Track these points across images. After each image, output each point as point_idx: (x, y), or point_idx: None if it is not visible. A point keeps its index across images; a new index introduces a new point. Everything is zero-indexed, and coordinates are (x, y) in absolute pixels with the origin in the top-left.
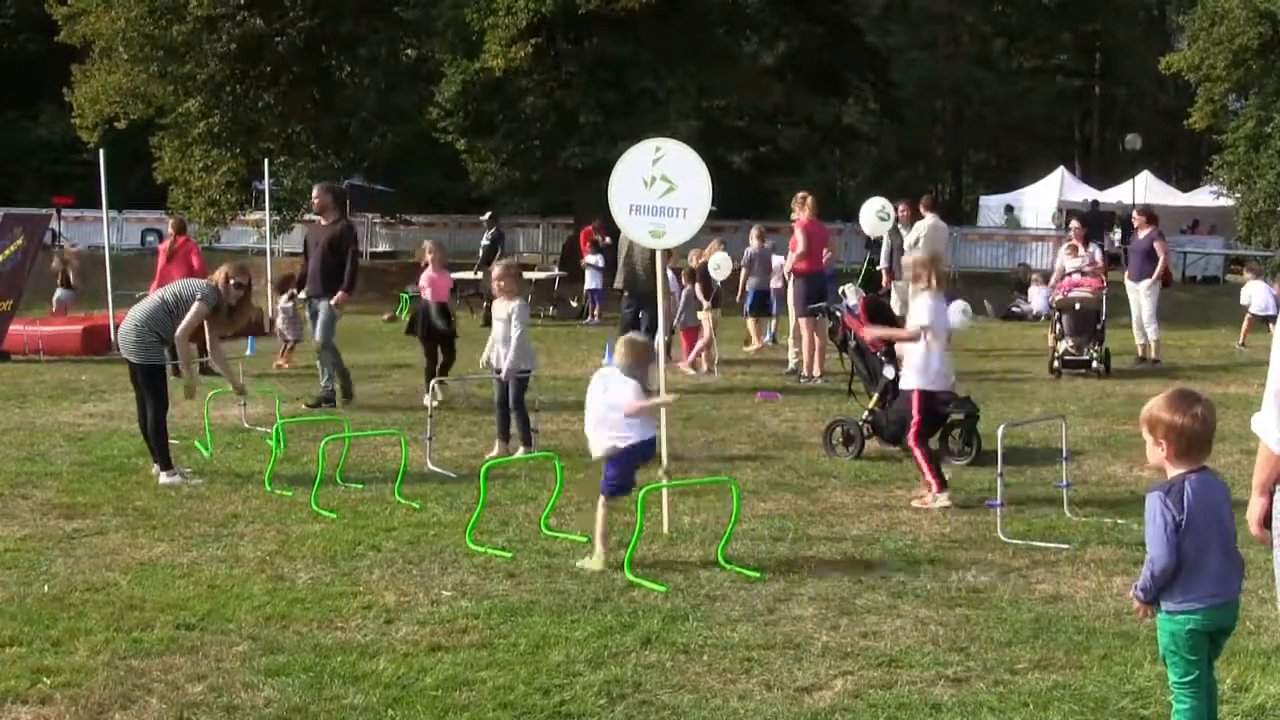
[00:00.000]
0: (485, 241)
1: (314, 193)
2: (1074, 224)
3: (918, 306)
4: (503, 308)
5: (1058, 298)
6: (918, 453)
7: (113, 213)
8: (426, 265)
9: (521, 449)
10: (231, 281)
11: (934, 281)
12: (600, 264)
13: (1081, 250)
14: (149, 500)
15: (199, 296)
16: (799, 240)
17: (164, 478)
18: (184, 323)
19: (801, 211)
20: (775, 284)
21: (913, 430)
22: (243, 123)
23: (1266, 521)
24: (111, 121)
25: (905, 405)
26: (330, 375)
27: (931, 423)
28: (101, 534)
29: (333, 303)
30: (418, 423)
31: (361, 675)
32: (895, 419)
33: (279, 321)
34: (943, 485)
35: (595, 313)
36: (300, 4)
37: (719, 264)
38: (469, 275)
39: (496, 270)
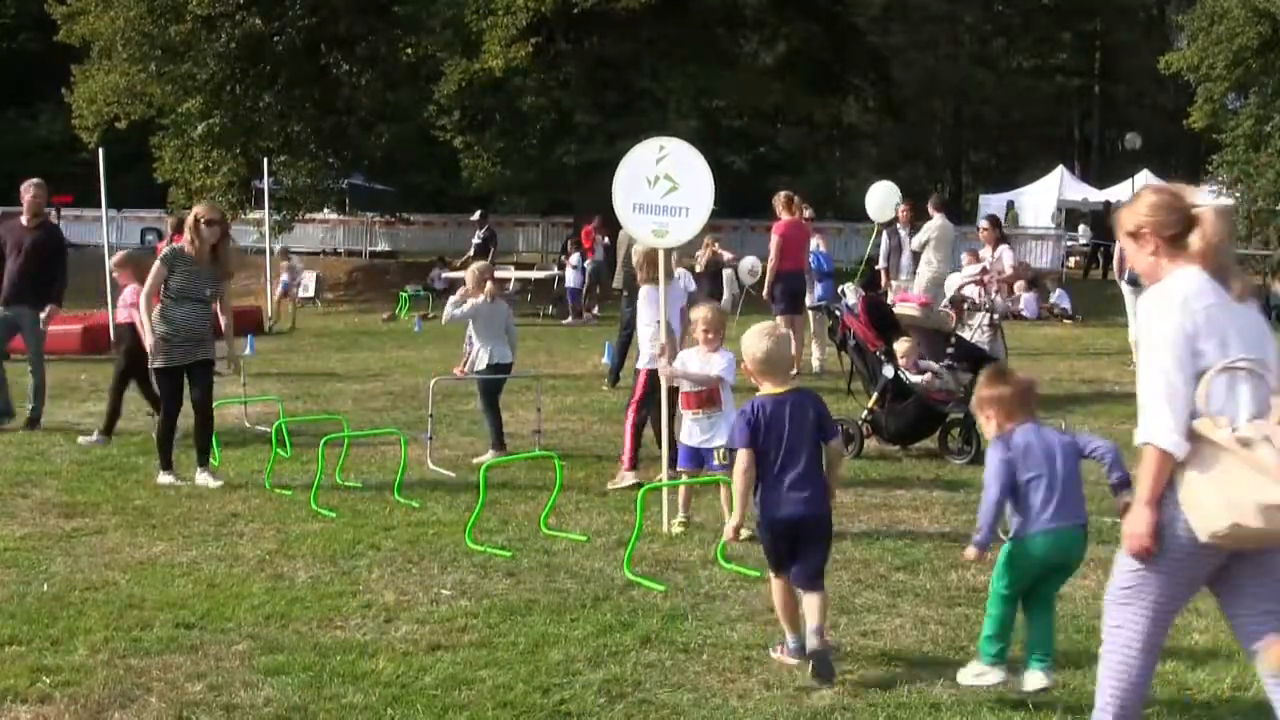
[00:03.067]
0: (476, 240)
1: (28, 190)
2: (982, 224)
3: None
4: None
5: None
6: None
7: (112, 212)
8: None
9: (491, 453)
10: (203, 221)
11: None
12: (579, 264)
13: (988, 254)
14: (148, 499)
15: (159, 259)
16: (773, 243)
17: (161, 477)
18: (146, 286)
19: (785, 212)
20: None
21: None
22: (242, 122)
23: (1156, 534)
24: (111, 122)
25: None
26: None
27: (931, 422)
28: (101, 533)
29: (43, 315)
30: (418, 423)
31: (361, 674)
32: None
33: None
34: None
35: (574, 310)
36: (299, 3)
37: (752, 268)
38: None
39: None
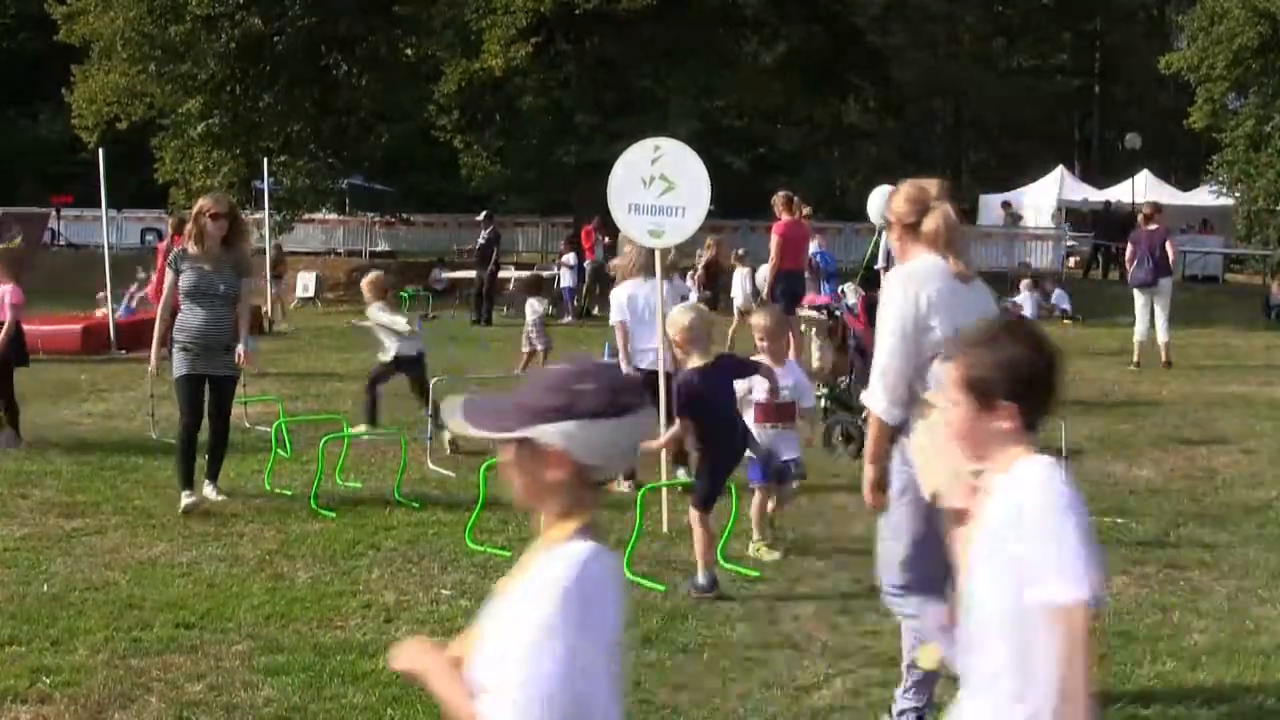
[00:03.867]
0: (481, 240)
1: None
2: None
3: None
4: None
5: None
6: None
7: (112, 212)
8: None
9: (363, 425)
10: (207, 215)
11: None
12: (574, 263)
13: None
14: (148, 499)
15: (166, 265)
16: (774, 243)
17: (184, 498)
18: (163, 296)
19: (785, 212)
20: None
21: None
22: (242, 123)
23: (880, 488)
24: (111, 122)
25: None
26: None
27: None
28: (101, 533)
29: None
30: (418, 423)
31: (361, 674)
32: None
33: (528, 326)
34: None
35: (570, 309)
36: (299, 3)
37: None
38: (470, 275)
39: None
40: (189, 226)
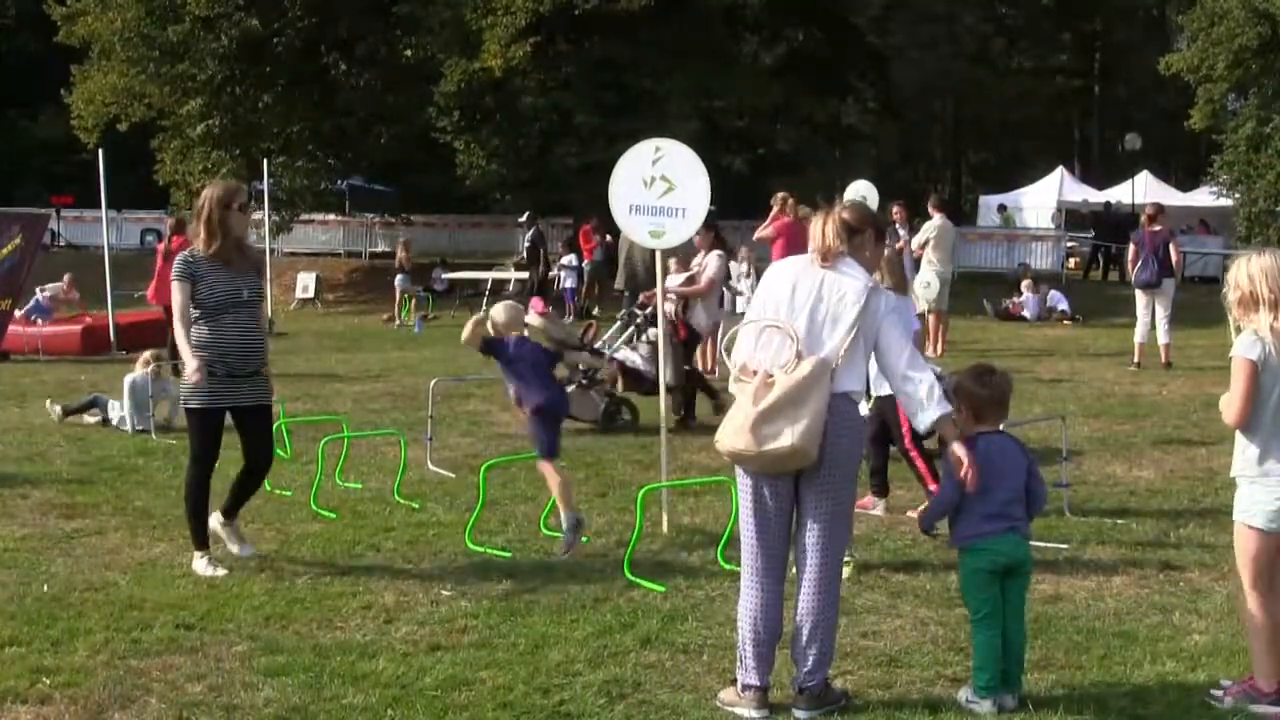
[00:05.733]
0: (527, 242)
1: None
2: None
3: None
4: None
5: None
6: (916, 460)
7: (112, 212)
8: None
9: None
10: (235, 205)
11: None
12: (574, 263)
13: (699, 259)
14: (148, 500)
15: (174, 278)
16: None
17: (196, 561)
18: (176, 313)
19: (783, 212)
20: None
21: (906, 435)
22: (242, 123)
23: None
24: (111, 123)
25: (889, 409)
26: None
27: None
28: (101, 534)
29: None
30: (418, 423)
31: (361, 675)
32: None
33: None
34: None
35: (571, 309)
36: (298, 4)
37: None
38: (470, 275)
39: None
40: (200, 223)
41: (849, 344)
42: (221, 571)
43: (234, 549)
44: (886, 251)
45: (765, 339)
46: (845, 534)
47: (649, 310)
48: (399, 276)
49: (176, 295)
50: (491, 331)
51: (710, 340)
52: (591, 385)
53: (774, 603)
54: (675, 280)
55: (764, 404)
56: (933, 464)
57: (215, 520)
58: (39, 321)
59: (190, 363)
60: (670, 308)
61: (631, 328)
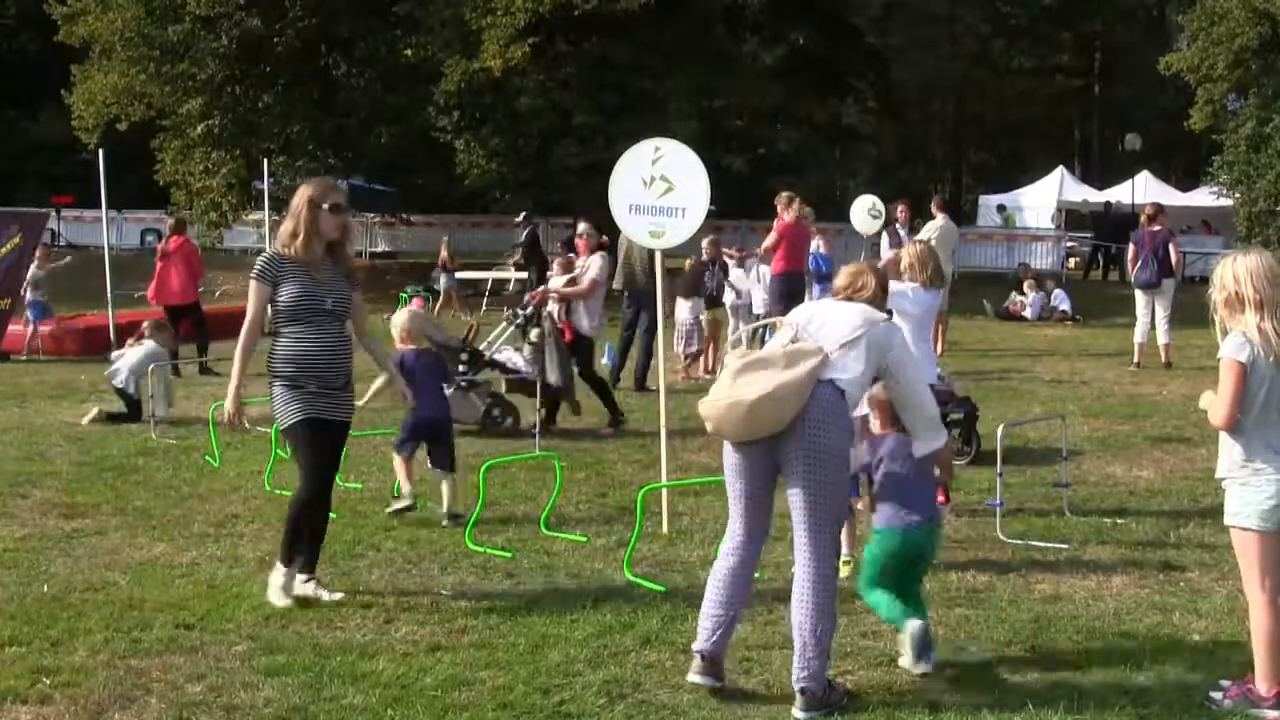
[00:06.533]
0: (523, 241)
1: None
2: (582, 227)
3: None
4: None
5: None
6: None
7: (112, 212)
8: None
9: None
10: (326, 206)
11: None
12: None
13: (581, 261)
14: (148, 500)
15: (253, 277)
16: (773, 240)
17: (275, 576)
18: (246, 320)
19: (787, 212)
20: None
21: None
22: (242, 123)
23: None
24: (111, 123)
25: None
26: None
27: None
28: (101, 534)
29: None
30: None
31: (361, 675)
32: None
33: (683, 328)
34: (947, 498)
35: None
36: (299, 4)
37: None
38: (471, 275)
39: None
40: (291, 223)
41: (849, 343)
42: (287, 601)
43: (325, 596)
44: (917, 248)
45: (773, 337)
46: (832, 538)
47: (529, 310)
48: (443, 276)
49: (252, 297)
50: (397, 340)
51: (712, 342)
52: (471, 387)
53: (738, 574)
54: (557, 283)
55: (750, 358)
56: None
57: (301, 587)
58: (35, 322)
59: (231, 393)
60: (554, 310)
61: (512, 328)
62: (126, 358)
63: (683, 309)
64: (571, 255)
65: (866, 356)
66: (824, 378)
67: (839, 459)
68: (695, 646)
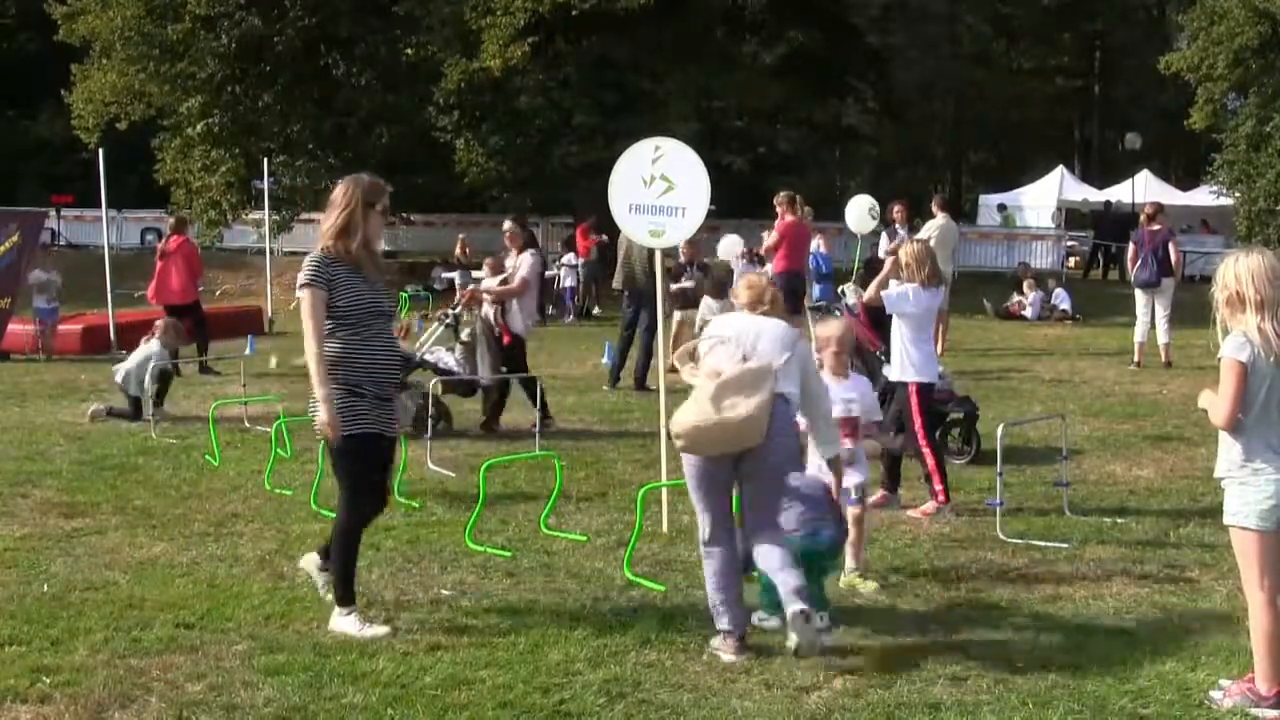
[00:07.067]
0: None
1: None
2: (507, 225)
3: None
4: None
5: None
6: (929, 456)
7: (112, 212)
8: None
9: None
10: (379, 205)
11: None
12: (574, 263)
13: (511, 260)
14: (148, 499)
15: (301, 283)
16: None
17: (338, 617)
18: (308, 331)
19: (788, 212)
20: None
21: (920, 431)
22: (242, 122)
23: None
24: (111, 123)
25: (903, 402)
26: None
27: (931, 421)
28: (101, 533)
29: None
30: (417, 422)
31: (361, 674)
32: (892, 419)
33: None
34: (947, 498)
35: (570, 308)
36: (299, 3)
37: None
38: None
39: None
40: (337, 217)
41: (786, 361)
42: (382, 630)
43: (326, 595)
44: (915, 247)
45: (716, 351)
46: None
47: (458, 310)
48: (458, 274)
49: (309, 303)
50: None
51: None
52: (402, 389)
53: (729, 557)
54: (490, 283)
55: (722, 379)
56: (943, 462)
57: (312, 562)
58: (45, 324)
59: (323, 401)
60: (489, 312)
61: (443, 328)
62: (131, 357)
63: (712, 309)
64: (501, 254)
65: (797, 371)
66: (776, 391)
67: (793, 459)
68: (723, 627)
